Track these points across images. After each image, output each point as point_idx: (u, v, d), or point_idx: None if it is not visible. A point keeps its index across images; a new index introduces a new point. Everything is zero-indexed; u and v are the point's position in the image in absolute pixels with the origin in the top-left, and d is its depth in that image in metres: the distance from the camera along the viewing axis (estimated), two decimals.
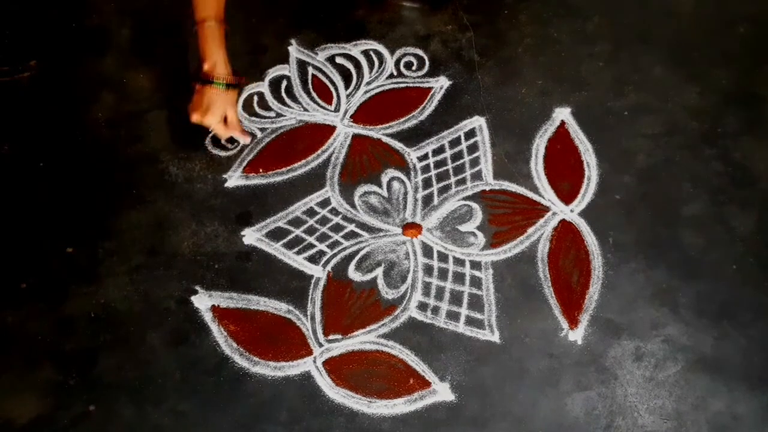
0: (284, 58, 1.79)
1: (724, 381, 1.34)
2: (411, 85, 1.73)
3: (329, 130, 1.68)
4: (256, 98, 1.73)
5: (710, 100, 1.66)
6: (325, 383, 1.36)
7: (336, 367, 1.38)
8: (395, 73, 1.75)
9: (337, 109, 1.71)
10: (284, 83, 1.75)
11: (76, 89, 1.77)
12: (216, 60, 1.44)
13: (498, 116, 1.67)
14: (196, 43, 1.47)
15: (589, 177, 1.58)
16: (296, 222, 1.55)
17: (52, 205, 1.60)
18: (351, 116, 1.69)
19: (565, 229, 1.51)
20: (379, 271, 1.48)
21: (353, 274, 1.48)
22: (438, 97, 1.71)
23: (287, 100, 1.73)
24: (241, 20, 1.86)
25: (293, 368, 1.38)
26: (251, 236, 1.53)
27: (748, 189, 1.54)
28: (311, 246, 1.52)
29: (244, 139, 1.59)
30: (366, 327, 1.42)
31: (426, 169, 1.61)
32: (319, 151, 1.65)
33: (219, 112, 1.49)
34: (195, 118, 1.49)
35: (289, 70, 1.78)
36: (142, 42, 1.84)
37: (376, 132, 1.67)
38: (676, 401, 1.32)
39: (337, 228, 1.54)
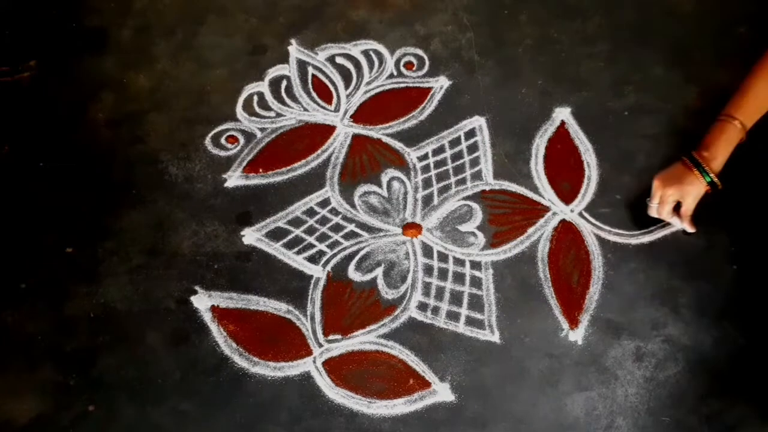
0: (284, 58, 1.79)
1: (725, 381, 1.33)
2: (411, 85, 1.73)
3: (329, 130, 1.68)
4: (256, 98, 1.73)
5: (710, 100, 1.66)
6: (324, 383, 1.36)
7: (336, 368, 1.38)
8: (395, 73, 1.75)
9: (337, 109, 1.71)
10: (284, 83, 1.75)
11: (76, 89, 1.77)
12: (719, 156, 1.33)
13: (498, 116, 1.67)
14: (712, 129, 1.35)
15: (589, 177, 1.57)
16: (296, 222, 1.55)
17: (52, 205, 1.60)
18: (351, 116, 1.69)
19: (565, 229, 1.51)
20: (379, 271, 1.48)
21: (353, 274, 1.48)
22: (438, 97, 1.71)
23: (287, 100, 1.73)
24: (241, 20, 1.86)
25: (293, 368, 1.38)
26: (251, 236, 1.53)
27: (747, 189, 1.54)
28: (311, 246, 1.52)
29: (689, 228, 1.43)
30: (366, 327, 1.42)
31: (426, 169, 1.61)
32: (319, 151, 1.65)
33: (684, 195, 1.37)
34: (657, 184, 1.39)
35: (289, 70, 1.78)
36: (142, 42, 1.84)
37: (376, 132, 1.67)
38: (676, 401, 1.32)
39: (337, 228, 1.54)
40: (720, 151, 1.34)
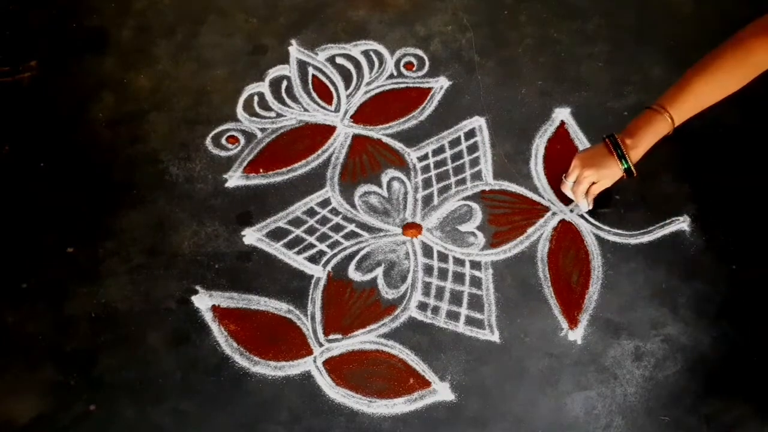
0: (284, 58, 1.79)
1: (724, 381, 1.34)
2: (411, 85, 1.73)
3: (329, 130, 1.68)
4: (256, 98, 1.73)
5: None
6: (325, 383, 1.36)
7: (336, 367, 1.38)
8: (395, 74, 1.75)
9: (337, 110, 1.71)
10: (284, 83, 1.76)
11: (76, 89, 1.77)
12: (641, 145, 1.33)
13: (498, 116, 1.67)
14: (641, 116, 1.34)
15: None
16: (296, 222, 1.55)
17: (52, 205, 1.60)
18: (351, 116, 1.70)
19: (564, 229, 1.52)
20: (379, 271, 1.48)
21: (353, 274, 1.49)
22: (438, 97, 1.71)
23: (287, 101, 1.73)
24: (241, 20, 1.86)
25: (293, 368, 1.38)
26: (251, 236, 1.54)
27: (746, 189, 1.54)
28: (311, 246, 1.52)
29: (582, 205, 1.47)
30: (366, 327, 1.42)
31: (426, 169, 1.61)
32: (320, 151, 1.65)
33: (600, 177, 1.39)
34: (576, 162, 1.41)
35: (290, 70, 1.78)
36: (142, 42, 1.84)
37: (376, 132, 1.67)
38: (675, 401, 1.32)
39: (337, 228, 1.54)
40: (643, 141, 1.34)
